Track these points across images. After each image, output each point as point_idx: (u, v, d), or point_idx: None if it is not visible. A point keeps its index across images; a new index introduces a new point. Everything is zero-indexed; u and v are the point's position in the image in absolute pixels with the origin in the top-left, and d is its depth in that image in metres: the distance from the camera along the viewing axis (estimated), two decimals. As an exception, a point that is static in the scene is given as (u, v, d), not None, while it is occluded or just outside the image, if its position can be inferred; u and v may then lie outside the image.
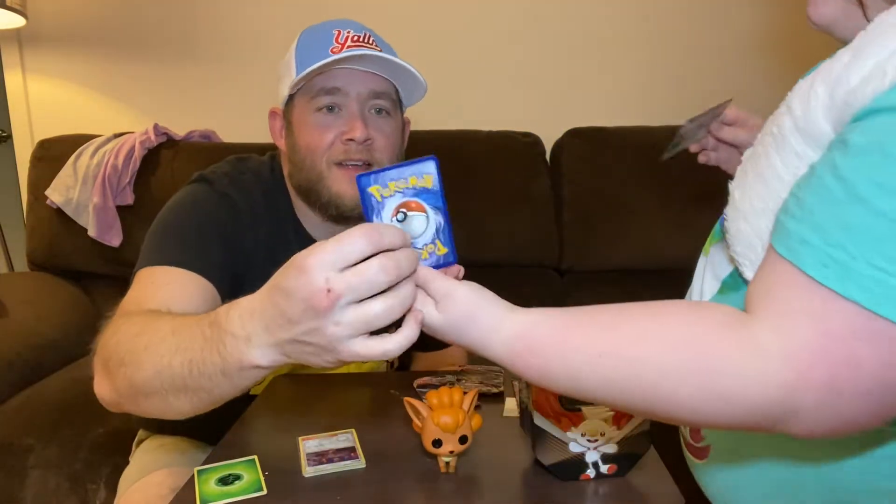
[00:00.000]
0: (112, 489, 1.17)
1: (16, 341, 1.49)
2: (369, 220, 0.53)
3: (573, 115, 1.92)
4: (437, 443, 0.64)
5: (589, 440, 0.64)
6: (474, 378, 0.93)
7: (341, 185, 0.92)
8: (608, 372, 0.47)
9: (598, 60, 2.02)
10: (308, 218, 0.99)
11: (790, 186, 0.47)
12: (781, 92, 0.57)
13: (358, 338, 0.50)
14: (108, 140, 1.87)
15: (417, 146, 1.93)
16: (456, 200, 1.80)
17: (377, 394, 0.92)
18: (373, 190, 0.51)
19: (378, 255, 0.48)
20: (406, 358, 1.16)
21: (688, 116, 1.73)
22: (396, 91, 0.97)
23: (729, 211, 0.54)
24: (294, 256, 0.50)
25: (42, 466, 1.20)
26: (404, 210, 0.51)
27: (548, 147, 1.91)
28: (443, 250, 0.55)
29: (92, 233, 1.78)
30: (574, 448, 0.64)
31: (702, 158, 0.88)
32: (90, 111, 2.10)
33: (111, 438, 1.22)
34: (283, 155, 1.00)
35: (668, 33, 1.99)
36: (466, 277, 0.58)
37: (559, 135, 1.89)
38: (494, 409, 0.83)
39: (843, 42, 0.54)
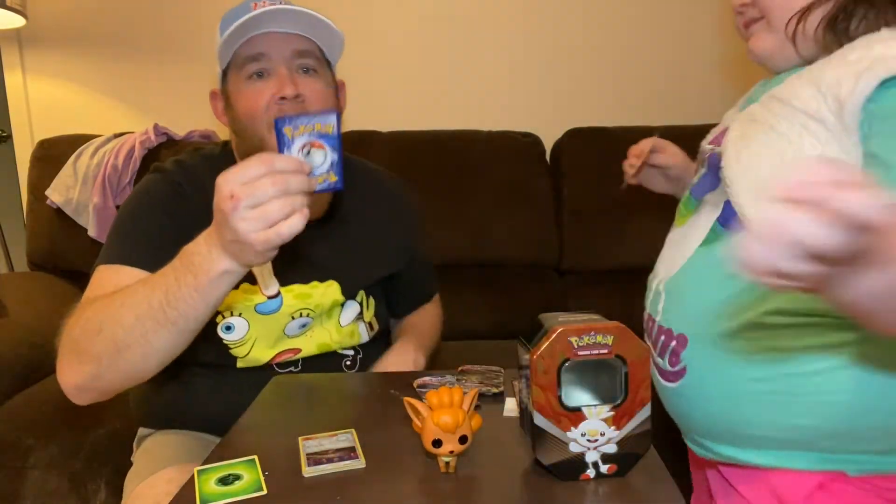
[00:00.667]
0: (112, 490, 1.18)
1: (16, 341, 1.49)
2: (280, 152, 0.68)
3: (573, 115, 1.93)
4: (437, 443, 0.64)
5: (589, 440, 0.64)
6: (474, 378, 0.94)
7: None
8: None
9: (598, 60, 2.02)
10: None
11: (794, 144, 0.64)
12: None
13: (261, 230, 0.65)
14: (108, 140, 1.87)
15: (419, 146, 1.93)
16: (456, 200, 1.80)
17: (377, 394, 0.92)
18: (286, 130, 0.67)
19: (270, 173, 0.65)
20: (383, 323, 1.16)
21: (687, 115, 1.76)
22: (321, 50, 1.00)
23: (729, 172, 0.70)
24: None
25: (42, 467, 1.20)
26: (309, 146, 0.67)
27: (548, 147, 1.91)
28: (334, 178, 0.71)
29: (92, 233, 1.78)
30: (574, 448, 0.64)
31: (633, 181, 1.08)
32: (90, 111, 2.10)
33: (112, 439, 1.22)
34: (230, 133, 1.04)
35: (668, 34, 2.00)
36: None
37: (559, 135, 1.89)
38: (494, 409, 0.83)
39: (776, 72, 0.76)
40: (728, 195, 0.71)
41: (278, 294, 1.00)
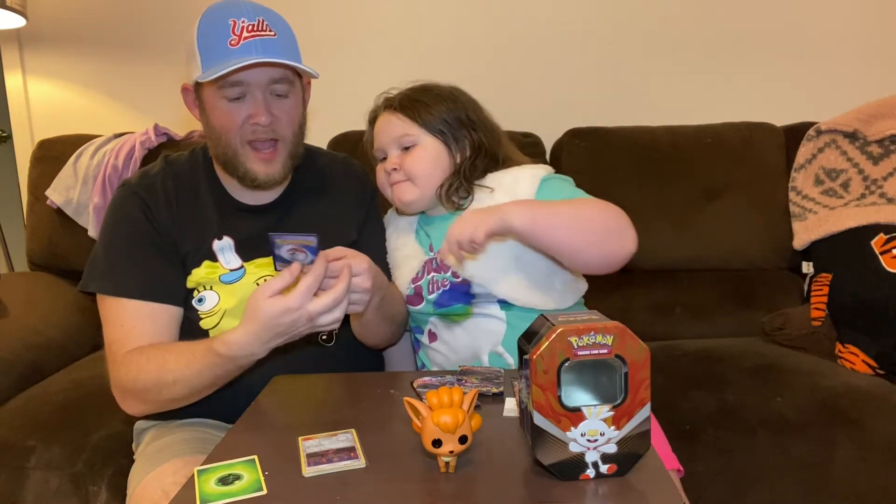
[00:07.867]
0: (114, 491, 1.17)
1: (16, 341, 1.49)
2: (272, 253, 0.90)
3: (573, 115, 1.92)
4: (437, 443, 0.64)
5: (589, 440, 0.64)
6: (474, 378, 0.94)
7: (253, 164, 1.07)
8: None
9: (598, 60, 2.02)
10: (231, 184, 1.13)
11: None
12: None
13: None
14: (108, 140, 1.87)
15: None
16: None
17: (377, 394, 0.92)
18: (277, 241, 0.88)
19: (329, 292, 0.87)
20: None
21: (687, 115, 1.73)
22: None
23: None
24: (274, 302, 0.85)
25: (43, 468, 1.20)
26: (294, 250, 0.88)
27: (548, 147, 1.91)
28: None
29: (92, 233, 1.78)
30: (574, 448, 0.64)
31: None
32: (90, 111, 2.10)
33: (113, 440, 1.22)
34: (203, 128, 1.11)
35: (668, 33, 2.00)
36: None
37: (559, 135, 1.89)
38: (494, 409, 0.83)
39: (411, 213, 1.24)
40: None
41: (241, 268, 1.09)
